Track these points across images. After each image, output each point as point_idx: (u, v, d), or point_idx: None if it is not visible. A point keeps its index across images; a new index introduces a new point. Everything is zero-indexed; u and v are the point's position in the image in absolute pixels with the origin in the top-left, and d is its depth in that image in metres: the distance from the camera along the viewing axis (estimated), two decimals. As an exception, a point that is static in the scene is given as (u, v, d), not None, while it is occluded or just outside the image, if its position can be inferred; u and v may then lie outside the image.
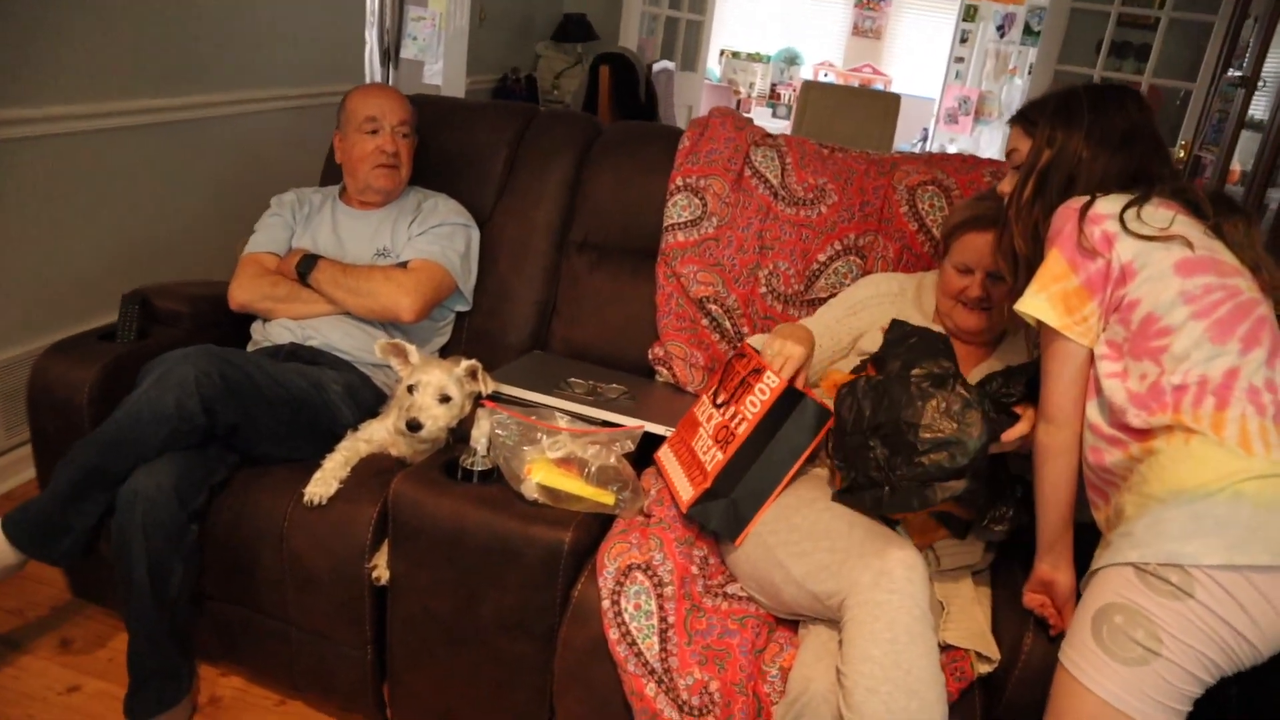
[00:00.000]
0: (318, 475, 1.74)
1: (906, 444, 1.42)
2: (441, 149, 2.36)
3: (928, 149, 7.03)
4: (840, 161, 2.17)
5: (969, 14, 6.28)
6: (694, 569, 1.61)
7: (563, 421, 1.72)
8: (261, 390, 1.77)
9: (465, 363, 1.81)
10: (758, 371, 1.63)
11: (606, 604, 1.54)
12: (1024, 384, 1.46)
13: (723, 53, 8.97)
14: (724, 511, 1.58)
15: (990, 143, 6.25)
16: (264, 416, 1.78)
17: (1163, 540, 1.15)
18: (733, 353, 1.77)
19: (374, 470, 1.79)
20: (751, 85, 9.01)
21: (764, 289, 2.12)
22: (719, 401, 1.69)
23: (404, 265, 2.12)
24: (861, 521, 1.49)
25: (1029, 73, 5.59)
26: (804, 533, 1.51)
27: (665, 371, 2.08)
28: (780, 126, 8.67)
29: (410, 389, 1.78)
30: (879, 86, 8.74)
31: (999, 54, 6.12)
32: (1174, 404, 1.21)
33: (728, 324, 2.10)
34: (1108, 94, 1.44)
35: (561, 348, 2.23)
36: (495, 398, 1.83)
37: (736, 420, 1.61)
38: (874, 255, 2.07)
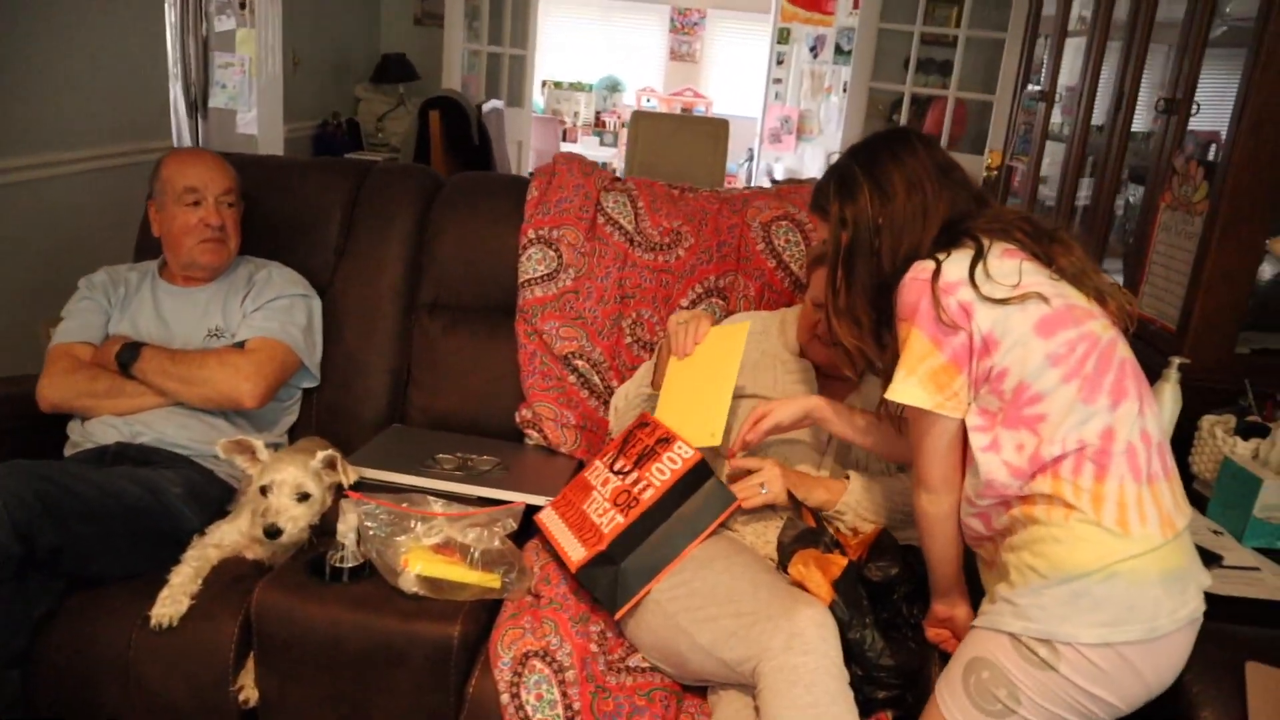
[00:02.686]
0: (165, 593, 1.56)
1: None
2: (269, 213, 2.19)
3: (754, 168, 7.24)
4: (692, 202, 2.16)
5: (782, 36, 6.51)
6: (593, 647, 1.53)
7: (437, 505, 1.62)
8: (88, 504, 1.57)
9: (322, 453, 1.67)
10: (666, 441, 1.58)
11: (506, 698, 1.44)
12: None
13: (545, 83, 8.97)
14: (610, 581, 1.52)
15: (814, 159, 6.49)
16: (93, 534, 1.58)
17: (1041, 617, 1.20)
18: (636, 422, 1.72)
19: (230, 578, 1.62)
20: (576, 114, 9.06)
21: (629, 339, 2.07)
22: (618, 468, 1.63)
23: (241, 345, 1.95)
24: (765, 581, 1.46)
25: (844, 90, 5.85)
26: (705, 597, 1.46)
27: (535, 434, 1.99)
28: (608, 154, 8.75)
29: (263, 490, 1.62)
30: (700, 109, 8.98)
31: (814, 73, 6.37)
32: (1053, 472, 1.22)
33: (595, 379, 2.04)
34: (878, 149, 1.40)
35: (422, 418, 2.11)
36: (359, 486, 1.70)
37: (641, 486, 1.55)
38: (735, 295, 2.07)
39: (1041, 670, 1.20)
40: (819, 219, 1.47)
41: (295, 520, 1.61)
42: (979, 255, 1.26)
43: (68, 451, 1.91)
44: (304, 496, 1.63)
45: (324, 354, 2.11)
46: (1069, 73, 3.43)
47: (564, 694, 1.44)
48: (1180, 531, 1.24)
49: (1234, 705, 1.33)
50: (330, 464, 1.68)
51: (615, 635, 1.59)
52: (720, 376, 1.61)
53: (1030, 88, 3.75)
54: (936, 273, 1.26)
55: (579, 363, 2.03)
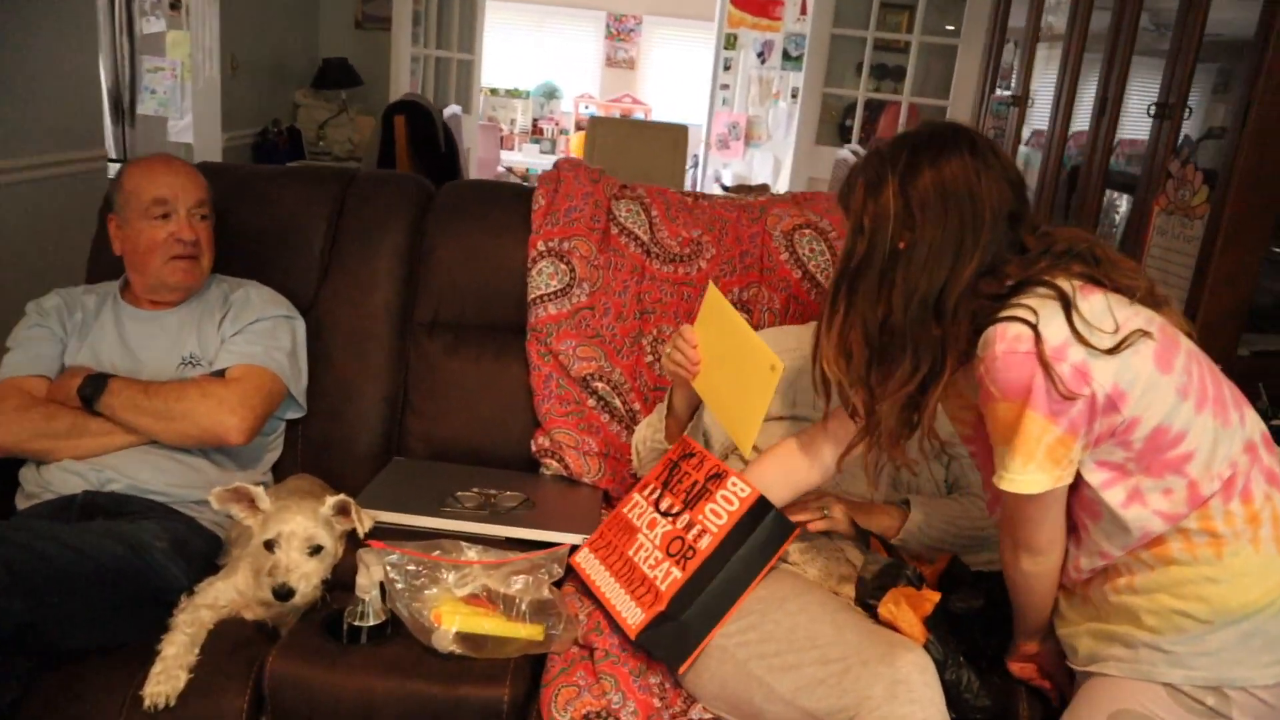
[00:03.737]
0: (157, 668, 1.35)
1: None
2: (243, 227, 1.98)
3: (699, 174, 7.16)
4: (708, 210, 2.03)
5: (729, 42, 6.45)
6: (656, 702, 1.38)
7: (471, 552, 1.44)
8: (60, 570, 1.35)
9: (331, 498, 1.48)
10: (718, 476, 1.43)
11: (567, 767, 1.28)
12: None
13: (481, 90, 8.76)
14: (673, 636, 1.37)
15: (762, 164, 6.45)
16: (68, 604, 1.36)
17: (1208, 665, 1.11)
18: (679, 451, 1.57)
19: (231, 644, 1.41)
20: (513, 122, 8.88)
21: (650, 357, 1.92)
22: (665, 508, 1.48)
23: (220, 374, 1.74)
24: (849, 622, 1.33)
25: (793, 96, 5.81)
26: (782, 641, 1.33)
27: (555, 464, 1.83)
28: (548, 162, 8.59)
29: (269, 544, 1.42)
30: (640, 115, 8.87)
31: (762, 79, 6.33)
32: (1201, 505, 1.11)
33: (617, 402, 1.88)
34: (920, 145, 1.17)
35: (423, 449, 1.92)
36: (373, 532, 1.51)
37: (696, 532, 1.40)
38: (759, 308, 1.94)
39: (1209, 718, 1.12)
40: (843, 215, 1.26)
41: (308, 578, 1.42)
42: (1068, 304, 1.08)
43: (21, 504, 1.67)
44: (316, 550, 1.44)
45: (310, 381, 1.91)
46: (1040, 79, 3.42)
47: (633, 760, 1.29)
48: None
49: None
50: (343, 510, 1.49)
51: (673, 686, 1.44)
52: (741, 354, 1.44)
53: (1000, 93, 3.73)
54: (1037, 340, 1.07)
55: (598, 385, 1.87)
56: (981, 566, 1.53)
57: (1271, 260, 2.50)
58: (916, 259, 1.14)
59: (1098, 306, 1.10)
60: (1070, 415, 1.08)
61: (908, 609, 1.31)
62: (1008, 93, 3.63)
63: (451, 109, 4.18)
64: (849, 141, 5.32)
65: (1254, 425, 1.16)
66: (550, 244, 1.92)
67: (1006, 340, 1.08)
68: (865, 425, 1.28)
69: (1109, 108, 2.89)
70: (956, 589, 1.42)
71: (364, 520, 1.49)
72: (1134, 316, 1.12)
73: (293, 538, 1.42)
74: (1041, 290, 1.10)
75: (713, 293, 1.51)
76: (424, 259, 2.00)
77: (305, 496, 1.63)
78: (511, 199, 2.03)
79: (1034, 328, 1.07)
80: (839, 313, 1.22)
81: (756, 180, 6.38)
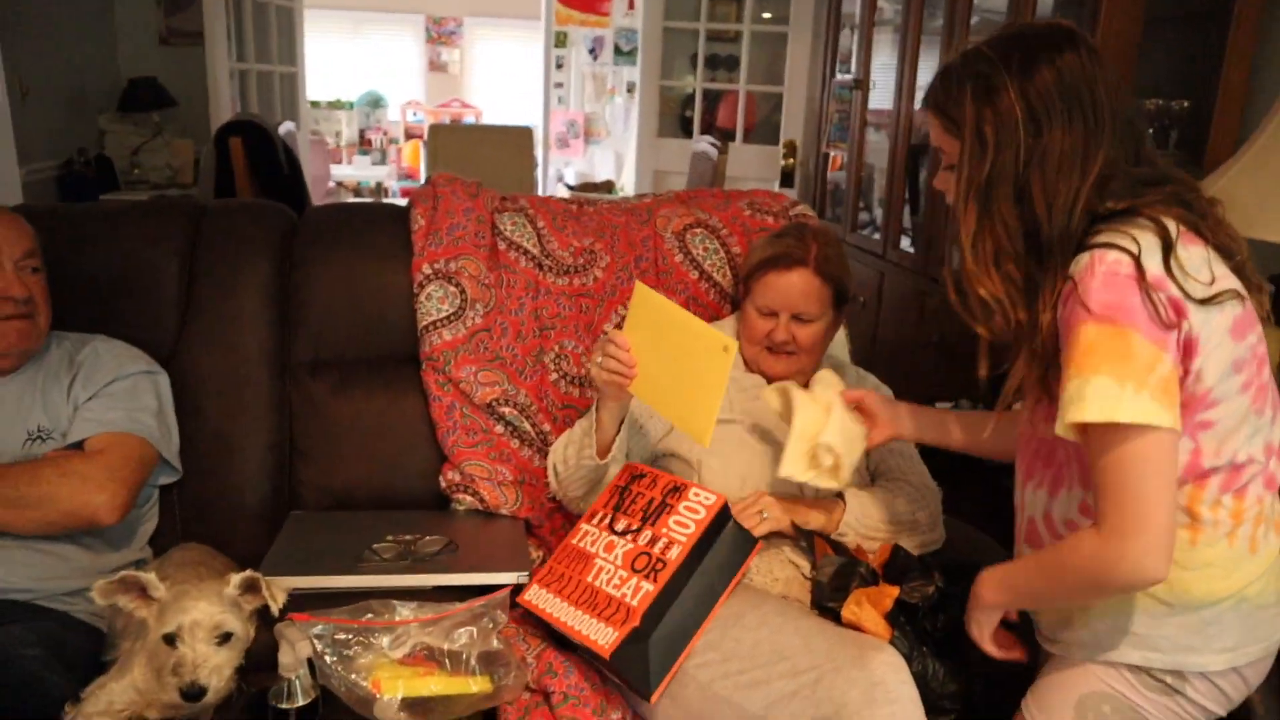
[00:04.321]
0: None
1: None
2: (79, 275, 1.76)
3: (541, 176, 7.06)
4: (595, 216, 1.96)
5: (560, 40, 6.37)
6: (621, 741, 1.31)
7: (405, 610, 1.32)
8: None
9: (236, 576, 1.32)
10: (678, 490, 1.38)
11: (540, 827, 1.20)
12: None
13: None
14: (640, 660, 1.30)
15: (604, 161, 6.42)
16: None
17: (1167, 647, 1.14)
18: (626, 477, 1.50)
19: (135, 753, 1.25)
20: (338, 134, 8.49)
21: (554, 375, 1.84)
22: (621, 529, 1.41)
23: (78, 446, 1.54)
24: (811, 629, 1.30)
25: (628, 91, 5.81)
26: (745, 658, 1.29)
27: (469, 498, 1.71)
28: (381, 174, 8.26)
29: (169, 638, 1.25)
30: (470, 119, 8.67)
31: (596, 76, 6.29)
32: (1195, 484, 1.10)
33: (526, 425, 1.79)
34: (1035, 50, 1.11)
35: (320, 499, 1.77)
36: (292, 603, 1.37)
37: (663, 545, 1.35)
38: (659, 312, 1.89)
39: (1168, 695, 1.16)
40: (939, 124, 1.17)
41: (219, 671, 1.25)
42: (1168, 245, 1.05)
43: None
44: (225, 637, 1.27)
45: (181, 438, 1.72)
46: (878, 62, 3.52)
47: (610, 806, 1.22)
48: None
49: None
50: (250, 587, 1.33)
51: (634, 716, 1.38)
52: (685, 344, 1.39)
53: (841, 77, 3.83)
54: (1139, 267, 1.02)
55: (505, 409, 1.78)
56: (916, 550, 1.55)
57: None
58: (1050, 165, 1.08)
59: (1197, 258, 1.07)
60: (1173, 348, 1.03)
61: (870, 608, 1.30)
62: (849, 76, 3.72)
63: (287, 125, 3.92)
64: (690, 134, 5.36)
65: (1274, 429, 1.15)
66: (436, 266, 1.81)
67: (1107, 263, 1.03)
68: (1030, 346, 1.13)
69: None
70: (905, 577, 1.42)
71: (277, 595, 1.34)
72: (1228, 276, 1.09)
73: (197, 628, 1.25)
74: (1143, 222, 1.07)
75: (641, 290, 1.46)
76: (295, 293, 1.84)
77: (201, 569, 1.47)
78: (385, 221, 1.89)
79: (1136, 258, 1.03)
80: (982, 230, 1.12)
81: (600, 177, 6.35)
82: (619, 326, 1.81)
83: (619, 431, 1.54)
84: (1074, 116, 1.08)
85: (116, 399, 1.61)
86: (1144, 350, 1.01)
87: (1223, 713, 1.19)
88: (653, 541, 1.37)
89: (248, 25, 4.50)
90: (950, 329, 2.64)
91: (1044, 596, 1.22)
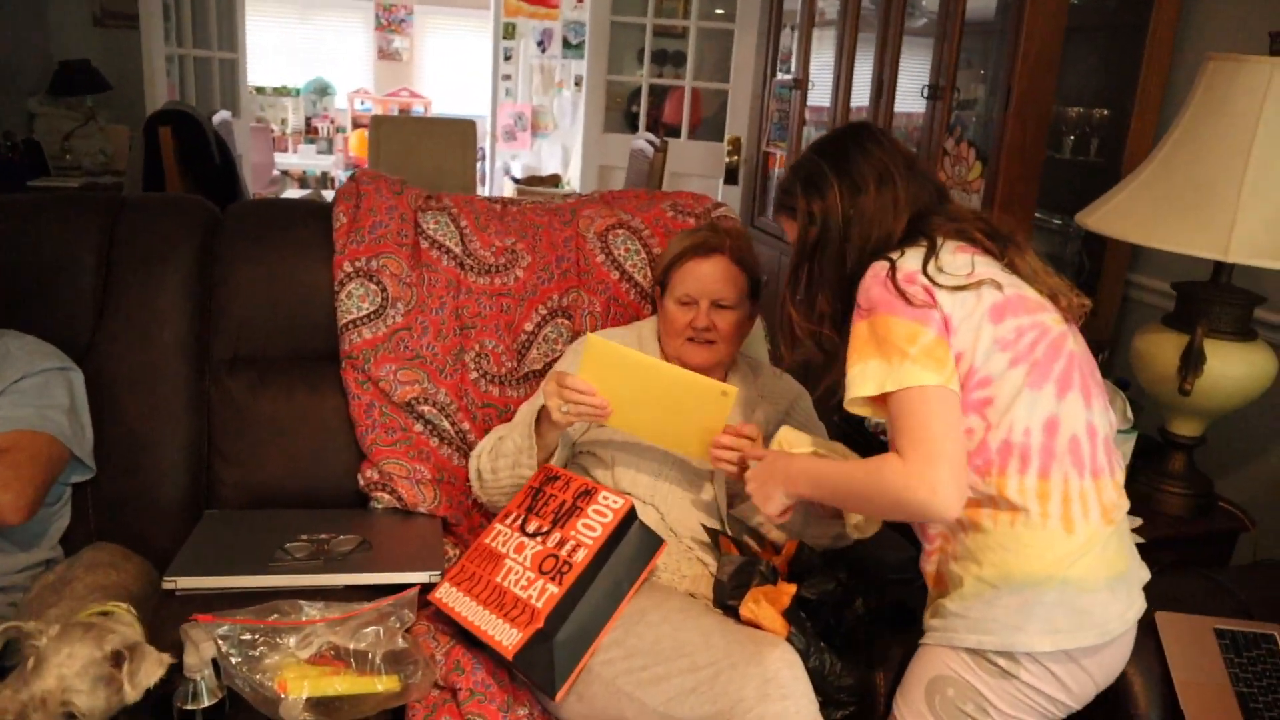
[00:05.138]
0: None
1: None
2: (-11, 270, 1.74)
3: (487, 168, 7.03)
4: (519, 216, 1.98)
5: (508, 31, 6.34)
6: (526, 737, 1.34)
7: (313, 610, 1.34)
8: None
9: (113, 641, 1.21)
10: (588, 493, 1.41)
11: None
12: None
13: (249, 89, 8.18)
14: (546, 660, 1.33)
15: (551, 154, 6.41)
16: None
17: (995, 629, 1.21)
18: (540, 478, 1.52)
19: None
20: (284, 122, 8.34)
21: (474, 374, 1.86)
22: (532, 530, 1.43)
23: (-15, 444, 1.52)
24: (712, 626, 1.34)
25: (576, 84, 5.80)
26: (648, 655, 1.32)
27: (387, 496, 1.73)
28: (327, 163, 8.15)
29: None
30: (419, 109, 8.58)
31: (544, 68, 6.27)
32: (999, 467, 1.21)
33: (445, 424, 1.80)
34: (844, 144, 1.37)
35: (237, 497, 1.76)
36: (196, 600, 1.37)
37: (570, 548, 1.37)
38: (580, 313, 1.92)
39: (1005, 679, 1.21)
40: (786, 219, 1.43)
41: None
42: (931, 251, 1.26)
43: None
44: (69, 717, 1.16)
45: (96, 435, 1.71)
46: (817, 62, 3.57)
47: (513, 801, 1.24)
48: (1119, 523, 1.26)
49: (1156, 658, 1.40)
50: (116, 660, 1.20)
51: (541, 713, 1.40)
52: (672, 392, 1.47)
53: (782, 76, 3.87)
54: (892, 269, 1.25)
55: (424, 408, 1.79)
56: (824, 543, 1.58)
57: (1037, 225, 2.73)
58: (865, 219, 1.32)
59: (961, 260, 1.27)
60: (934, 322, 1.21)
61: (768, 606, 1.34)
62: (789, 76, 3.77)
63: (221, 115, 3.85)
64: (636, 129, 5.38)
65: (1077, 414, 1.23)
66: (357, 264, 1.81)
67: (872, 272, 1.27)
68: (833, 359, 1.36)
69: (885, 89, 3.06)
70: (808, 575, 1.47)
71: (143, 678, 1.21)
72: (996, 274, 1.26)
73: (46, 700, 1.15)
74: (922, 241, 1.28)
75: (595, 343, 1.46)
76: (216, 289, 1.83)
77: (111, 572, 1.46)
78: (309, 217, 1.89)
79: (893, 262, 1.25)
80: (802, 285, 1.37)
81: (547, 171, 6.34)
82: (535, 331, 1.84)
83: (558, 444, 1.58)
84: (883, 183, 1.32)
85: (26, 395, 1.59)
86: (901, 328, 1.21)
87: (1074, 704, 1.25)
88: (561, 544, 1.40)
89: (185, 8, 4.41)
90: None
91: (845, 501, 1.38)
